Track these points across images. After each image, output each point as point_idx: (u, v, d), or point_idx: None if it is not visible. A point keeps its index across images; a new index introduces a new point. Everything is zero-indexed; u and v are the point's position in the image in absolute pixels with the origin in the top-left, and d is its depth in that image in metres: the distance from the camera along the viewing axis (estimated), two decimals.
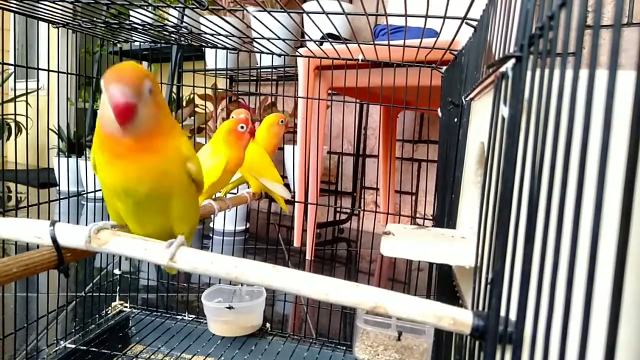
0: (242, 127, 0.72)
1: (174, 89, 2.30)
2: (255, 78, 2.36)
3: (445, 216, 0.67)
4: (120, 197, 0.44)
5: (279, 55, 0.91)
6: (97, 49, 2.61)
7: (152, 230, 0.46)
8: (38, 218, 0.50)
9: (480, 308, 0.37)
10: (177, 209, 0.47)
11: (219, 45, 0.90)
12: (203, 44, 0.94)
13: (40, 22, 0.76)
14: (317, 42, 0.90)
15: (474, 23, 0.60)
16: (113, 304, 0.96)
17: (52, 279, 0.87)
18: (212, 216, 0.88)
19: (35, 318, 0.78)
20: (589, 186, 0.22)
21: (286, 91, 2.22)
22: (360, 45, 0.85)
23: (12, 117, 2.46)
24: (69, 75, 0.85)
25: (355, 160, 2.14)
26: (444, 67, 0.84)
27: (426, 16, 0.59)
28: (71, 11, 0.71)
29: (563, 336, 0.24)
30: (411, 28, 0.70)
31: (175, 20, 1.63)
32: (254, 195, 0.82)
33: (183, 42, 0.94)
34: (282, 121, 0.88)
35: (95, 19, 0.73)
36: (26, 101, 1.01)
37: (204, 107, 2.07)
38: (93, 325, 0.88)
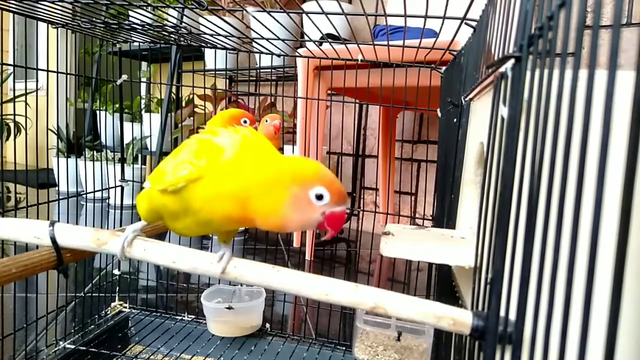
0: (245, 122, 0.70)
1: (174, 89, 2.30)
2: (254, 78, 2.36)
3: (445, 216, 0.67)
4: (198, 223, 0.43)
5: (279, 56, 0.91)
6: (96, 49, 2.60)
7: (196, 234, 0.46)
8: (37, 218, 0.50)
9: (480, 308, 0.37)
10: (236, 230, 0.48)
11: (218, 46, 0.90)
12: (202, 44, 0.94)
13: (39, 22, 0.76)
14: (316, 43, 0.90)
15: (474, 23, 0.60)
16: (112, 304, 0.96)
17: (51, 279, 0.87)
18: None
19: (35, 318, 0.78)
20: (589, 186, 0.22)
21: (285, 91, 2.22)
22: (360, 45, 0.85)
23: (12, 117, 2.46)
24: (68, 76, 0.85)
25: (354, 161, 2.14)
26: (444, 68, 0.84)
27: (425, 16, 0.59)
28: (70, 11, 0.71)
29: (563, 336, 0.24)
30: (410, 28, 0.70)
31: (174, 21, 1.63)
32: None
33: (182, 43, 0.94)
34: (267, 121, 0.82)
35: (94, 19, 0.73)
36: (25, 101, 1.01)
37: (203, 108, 2.07)
38: (92, 326, 0.88)
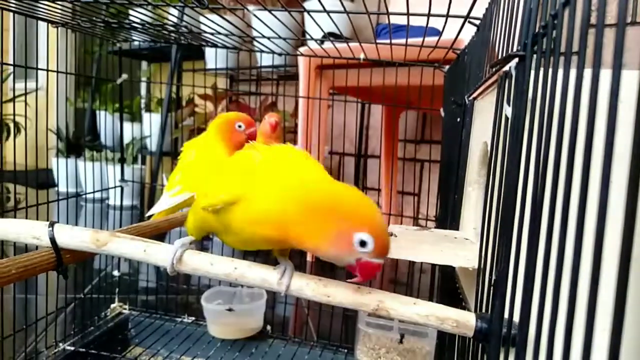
0: (239, 126, 0.70)
1: (174, 89, 2.30)
2: (255, 77, 2.35)
3: (448, 217, 0.66)
4: (241, 240, 0.43)
5: (280, 55, 0.91)
6: (96, 48, 2.60)
7: (246, 249, 0.46)
8: (37, 219, 0.50)
9: (484, 310, 0.37)
10: None
11: (219, 45, 0.90)
12: (203, 43, 0.93)
13: (39, 21, 0.75)
14: (318, 41, 0.90)
15: (477, 22, 0.59)
16: (112, 305, 0.96)
17: (51, 280, 0.86)
18: None
19: (34, 320, 0.78)
20: (594, 186, 0.22)
21: (287, 91, 2.21)
22: (362, 44, 0.84)
23: (11, 117, 2.46)
24: (68, 75, 0.85)
25: (356, 161, 2.14)
26: (447, 66, 0.83)
27: (428, 15, 0.58)
28: (70, 11, 0.71)
29: (567, 339, 0.23)
30: (413, 27, 0.69)
31: (174, 20, 1.63)
32: None
33: (183, 42, 0.93)
34: (266, 119, 0.77)
35: (94, 18, 0.72)
36: (25, 101, 1.00)
37: (203, 107, 2.07)
38: (92, 327, 0.87)
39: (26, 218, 0.50)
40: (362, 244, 0.35)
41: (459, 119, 0.64)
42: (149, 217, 0.65)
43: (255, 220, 0.38)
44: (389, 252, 0.37)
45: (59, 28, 0.78)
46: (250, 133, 0.70)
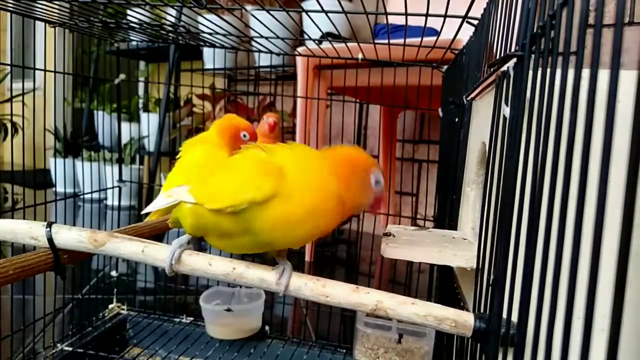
0: (244, 136, 0.68)
1: (172, 89, 2.29)
2: (253, 77, 2.35)
3: (446, 217, 0.66)
4: (255, 243, 0.42)
5: (278, 55, 0.91)
6: (94, 48, 2.60)
7: (247, 252, 0.45)
8: (34, 219, 0.49)
9: (482, 310, 0.37)
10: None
11: (217, 44, 0.89)
12: (201, 43, 0.93)
13: (37, 21, 0.75)
14: (316, 41, 0.90)
15: (475, 22, 0.59)
16: (110, 306, 0.96)
17: (48, 281, 0.86)
18: None
19: (32, 320, 0.78)
20: (592, 186, 0.22)
21: (285, 91, 2.21)
22: (360, 44, 0.84)
23: (9, 117, 2.45)
24: (66, 75, 0.85)
25: None
26: (445, 67, 0.83)
27: (427, 15, 0.58)
28: (68, 10, 0.71)
29: (565, 338, 0.23)
30: (411, 27, 0.69)
31: (172, 19, 1.62)
32: None
33: (181, 41, 0.93)
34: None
35: (92, 18, 0.72)
36: (22, 101, 1.00)
37: (201, 107, 2.07)
38: (90, 328, 0.87)
39: (24, 218, 0.50)
40: (377, 182, 0.43)
41: (457, 119, 0.64)
42: (145, 215, 0.65)
43: (293, 218, 0.38)
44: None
45: (57, 28, 0.78)
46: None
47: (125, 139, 2.45)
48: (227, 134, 0.67)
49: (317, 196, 0.38)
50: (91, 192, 0.93)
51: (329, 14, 0.63)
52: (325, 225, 0.40)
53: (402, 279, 1.34)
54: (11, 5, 0.66)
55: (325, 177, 0.39)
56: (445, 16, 0.58)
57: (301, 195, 0.38)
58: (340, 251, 1.79)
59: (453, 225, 0.60)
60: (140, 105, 2.61)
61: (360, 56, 0.87)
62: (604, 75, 0.21)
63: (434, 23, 0.62)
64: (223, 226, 0.40)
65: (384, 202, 0.45)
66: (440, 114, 0.86)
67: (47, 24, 0.77)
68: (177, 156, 0.67)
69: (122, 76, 1.04)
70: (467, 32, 0.63)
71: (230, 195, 0.38)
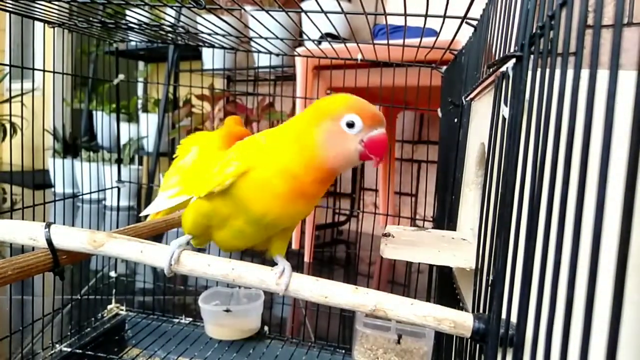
0: None
1: (171, 89, 2.29)
2: (253, 78, 2.35)
3: (446, 218, 0.66)
4: (251, 222, 0.42)
5: (277, 55, 0.91)
6: (93, 49, 2.59)
7: (246, 240, 0.46)
8: (33, 220, 0.49)
9: (481, 311, 0.37)
10: (290, 232, 0.48)
11: (216, 45, 0.89)
12: (200, 43, 0.93)
13: (36, 21, 0.75)
14: (315, 42, 0.90)
15: (474, 22, 0.59)
16: (109, 307, 0.95)
17: (47, 281, 0.86)
18: None
19: (31, 321, 0.77)
20: (591, 187, 0.22)
21: (284, 91, 2.21)
22: (359, 44, 0.84)
23: (7, 117, 2.45)
24: (65, 76, 0.84)
25: None
26: (444, 67, 0.83)
27: (426, 15, 0.58)
28: (67, 11, 0.71)
29: (565, 339, 0.23)
30: (410, 27, 0.69)
31: (172, 20, 1.62)
32: None
33: (180, 42, 0.93)
34: None
35: (91, 18, 0.72)
36: (21, 102, 1.00)
37: (201, 108, 2.07)
38: (89, 329, 0.87)
39: (22, 219, 0.49)
40: (351, 125, 0.37)
41: (456, 120, 0.64)
42: (145, 216, 0.65)
43: (270, 180, 0.39)
44: (382, 120, 0.39)
45: (56, 28, 0.78)
46: None
47: (124, 139, 2.45)
48: (233, 142, 0.67)
49: (286, 158, 0.39)
50: (90, 193, 0.93)
51: (328, 15, 0.63)
52: (303, 189, 0.40)
53: (401, 279, 1.34)
54: (10, 5, 0.66)
55: (291, 142, 0.39)
56: (444, 17, 0.58)
57: (274, 161, 0.39)
58: (339, 252, 1.79)
59: (452, 226, 0.60)
60: (139, 106, 2.61)
61: (359, 57, 0.87)
62: (603, 76, 0.21)
63: (433, 23, 0.63)
64: (219, 211, 0.43)
65: (383, 144, 0.38)
66: (440, 114, 0.86)
67: (46, 24, 0.76)
68: (175, 154, 0.67)
69: (121, 76, 1.04)
70: (466, 32, 0.63)
71: (215, 177, 0.41)
